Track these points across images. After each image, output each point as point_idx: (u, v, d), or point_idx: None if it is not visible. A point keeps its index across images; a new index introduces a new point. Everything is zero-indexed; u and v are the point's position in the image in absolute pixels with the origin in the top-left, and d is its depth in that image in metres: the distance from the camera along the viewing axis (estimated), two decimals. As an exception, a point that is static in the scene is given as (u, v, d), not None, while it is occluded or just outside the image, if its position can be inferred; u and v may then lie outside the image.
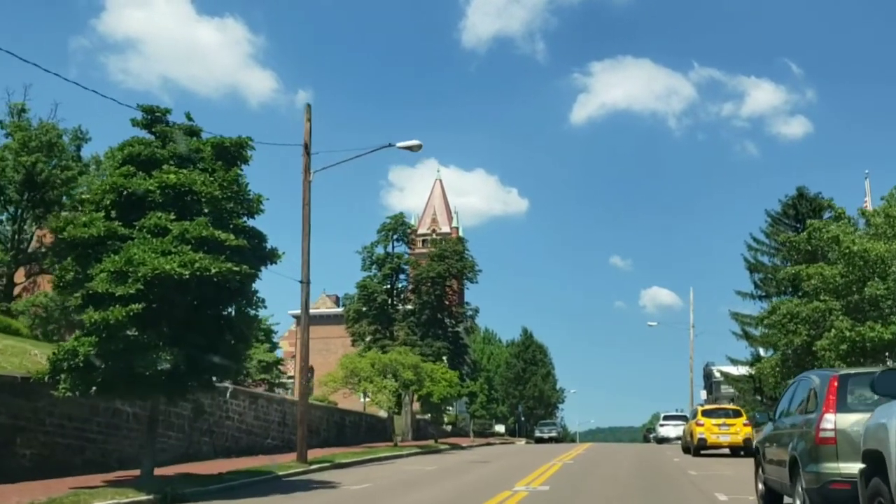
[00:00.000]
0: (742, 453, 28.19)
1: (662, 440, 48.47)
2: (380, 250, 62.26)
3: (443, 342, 59.12)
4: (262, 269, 15.89)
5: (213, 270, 13.87)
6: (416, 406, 45.51)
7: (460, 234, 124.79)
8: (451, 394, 38.20)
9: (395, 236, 62.67)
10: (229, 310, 15.45)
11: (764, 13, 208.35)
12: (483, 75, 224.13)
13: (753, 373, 56.74)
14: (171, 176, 14.79)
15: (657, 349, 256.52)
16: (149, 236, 14.34)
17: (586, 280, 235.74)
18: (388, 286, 62.61)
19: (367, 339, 60.24)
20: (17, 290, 46.98)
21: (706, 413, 28.93)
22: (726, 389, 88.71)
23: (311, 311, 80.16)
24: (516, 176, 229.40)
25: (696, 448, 28.26)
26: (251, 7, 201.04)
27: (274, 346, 54.61)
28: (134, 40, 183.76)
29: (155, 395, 15.37)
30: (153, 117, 16.39)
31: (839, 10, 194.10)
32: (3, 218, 46.56)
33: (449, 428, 59.83)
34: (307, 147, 22.92)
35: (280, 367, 54.55)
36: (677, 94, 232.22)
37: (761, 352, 57.75)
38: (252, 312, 15.95)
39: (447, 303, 62.21)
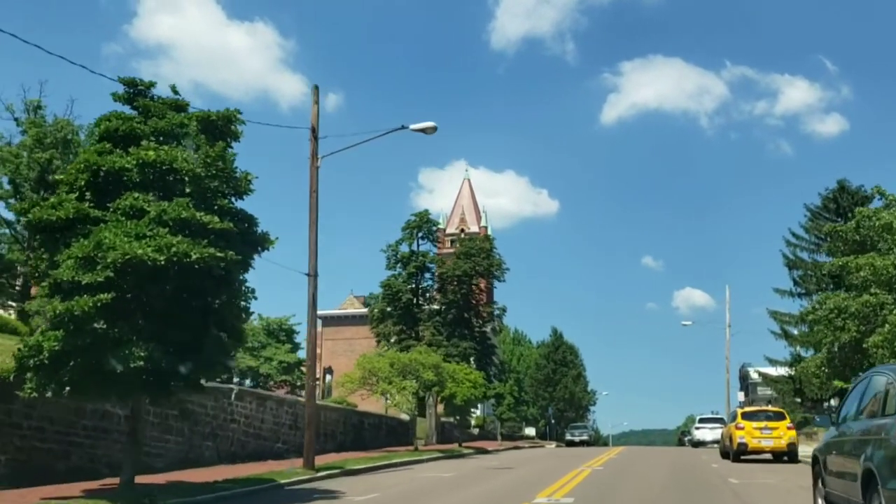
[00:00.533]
0: (785, 459, 26.28)
1: (698, 444, 46.51)
2: (404, 248, 60.75)
3: (469, 342, 57.42)
4: (255, 256, 14.31)
5: (194, 256, 12.34)
6: (441, 408, 43.87)
7: (489, 233, 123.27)
8: (475, 395, 36.50)
9: (419, 234, 61.11)
10: (217, 302, 13.85)
11: (796, 10, 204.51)
12: (512, 76, 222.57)
13: (794, 373, 54.57)
14: (151, 153, 13.28)
15: (691, 351, 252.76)
16: (123, 219, 12.84)
17: (618, 281, 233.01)
18: (413, 285, 61.04)
19: (392, 339, 58.73)
20: (34, 291, 46.16)
21: (747, 416, 26.94)
22: (763, 391, 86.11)
23: (338, 311, 78.65)
24: (547, 177, 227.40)
25: (735, 453, 26.32)
26: (281, 11, 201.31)
27: (296, 347, 53.36)
28: (165, 46, 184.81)
29: (133, 395, 13.86)
30: (136, 91, 14.91)
31: (873, 5, 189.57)
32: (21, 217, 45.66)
33: (476, 431, 58.10)
34: (314, 131, 21.41)
35: (302, 368, 53.20)
36: (709, 92, 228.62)
37: (801, 352, 55.57)
38: (243, 304, 14.36)
39: (474, 302, 60.49)
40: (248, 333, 50.08)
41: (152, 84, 15.07)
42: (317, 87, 21.85)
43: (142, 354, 12.14)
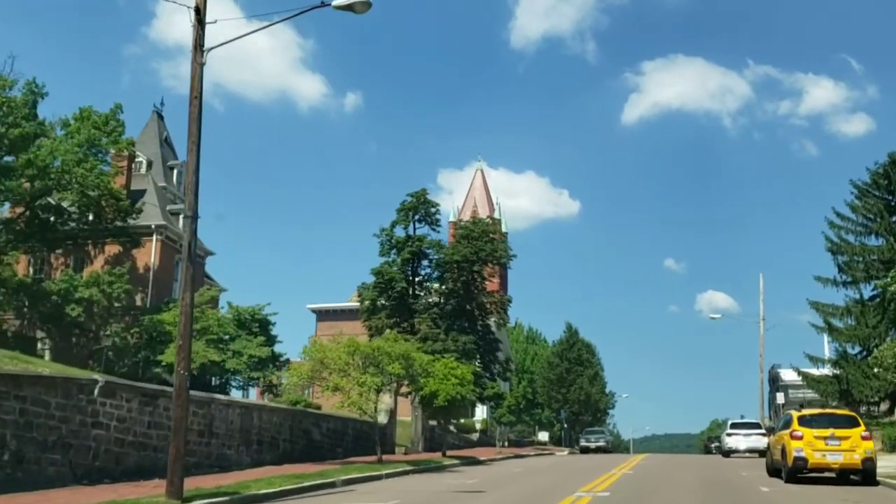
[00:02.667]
0: (854, 478, 19.69)
1: (729, 452, 39.92)
2: (399, 233, 54.09)
3: (469, 336, 50.63)
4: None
5: None
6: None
7: (503, 227, 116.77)
8: (462, 394, 29.96)
9: (416, 216, 54.32)
10: None
11: (820, 8, 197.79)
12: (532, 76, 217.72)
13: (838, 372, 47.79)
14: None
15: (715, 354, 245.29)
16: None
17: (640, 284, 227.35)
18: (409, 273, 54.37)
19: (386, 333, 52.12)
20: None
21: (806, 420, 20.20)
22: (796, 394, 78.76)
23: (334, 305, 71.74)
24: (567, 177, 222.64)
25: (791, 471, 19.68)
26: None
27: (271, 340, 46.94)
28: (184, 46, 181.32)
29: None
30: None
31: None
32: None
33: (475, 436, 51.49)
34: (199, 13, 15.09)
35: (277, 363, 46.81)
36: (732, 92, 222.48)
37: (847, 347, 48.83)
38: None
39: (475, 291, 53.65)
40: (214, 323, 43.88)
41: None
42: (203, -47, 15.45)
43: None
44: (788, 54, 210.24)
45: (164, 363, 40.83)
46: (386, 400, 35.08)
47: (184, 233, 14.47)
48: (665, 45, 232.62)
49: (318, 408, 29.44)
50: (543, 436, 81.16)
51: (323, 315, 74.88)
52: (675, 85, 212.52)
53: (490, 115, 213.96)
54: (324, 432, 27.72)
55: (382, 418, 34.01)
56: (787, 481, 19.80)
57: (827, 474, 20.07)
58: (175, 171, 55.51)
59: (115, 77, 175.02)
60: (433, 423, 39.89)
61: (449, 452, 35.02)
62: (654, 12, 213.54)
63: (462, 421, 57.94)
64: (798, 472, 19.63)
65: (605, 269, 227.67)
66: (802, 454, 19.31)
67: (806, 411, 21.33)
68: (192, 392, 21.03)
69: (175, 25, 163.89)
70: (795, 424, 20.06)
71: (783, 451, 20.33)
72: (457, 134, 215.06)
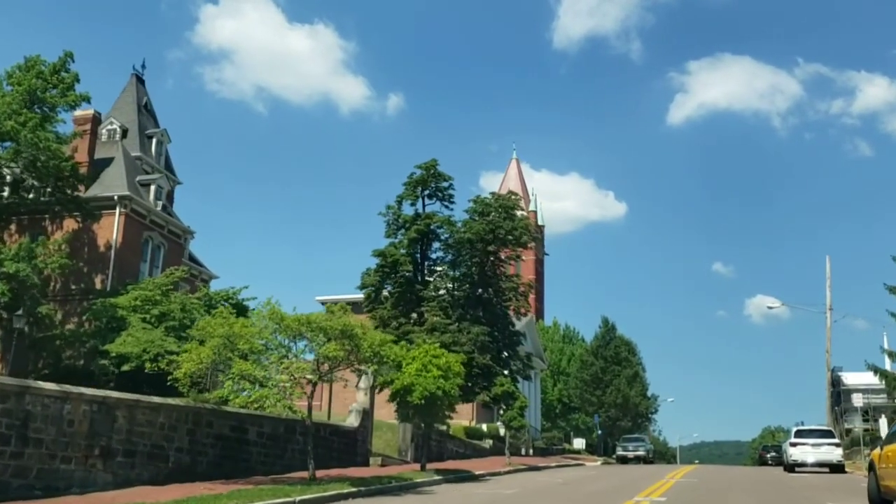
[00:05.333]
0: None
1: (794, 466, 32.21)
2: (407, 210, 46.95)
3: (482, 327, 43.36)
4: None
5: None
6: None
7: (539, 220, 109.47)
8: (445, 389, 22.86)
9: (425, 191, 47.12)
10: None
11: (872, 3, 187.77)
12: (575, 76, 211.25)
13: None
14: None
15: (766, 360, 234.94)
16: None
17: (687, 287, 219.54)
18: (417, 255, 47.19)
19: (391, 324, 45.03)
20: None
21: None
22: (860, 401, 70.37)
23: (346, 297, 64.49)
24: (613, 179, 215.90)
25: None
26: (342, 13, 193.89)
27: (247, 328, 40.25)
28: (227, 50, 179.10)
29: None
30: None
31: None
32: None
33: (488, 444, 44.12)
34: None
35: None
36: (781, 92, 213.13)
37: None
38: None
39: (490, 276, 46.32)
40: (176, 308, 37.29)
41: None
42: None
43: None
44: (840, 52, 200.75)
45: (112, 354, 34.53)
46: (360, 398, 28.19)
47: None
48: (711, 44, 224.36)
49: (263, 408, 22.49)
50: (579, 443, 73.52)
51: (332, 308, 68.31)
52: (723, 85, 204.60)
53: (532, 116, 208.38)
54: (251, 439, 20.70)
55: (353, 420, 27.07)
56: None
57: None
58: (154, 141, 49.22)
59: (159, 81, 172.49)
60: (428, 426, 32.75)
61: (442, 464, 27.99)
62: (701, 10, 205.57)
63: (485, 427, 50.83)
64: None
65: (652, 272, 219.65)
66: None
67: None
68: (-14, 376, 14.17)
69: (218, 30, 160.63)
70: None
71: (904, 475, 12.92)
72: (499, 135, 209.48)
